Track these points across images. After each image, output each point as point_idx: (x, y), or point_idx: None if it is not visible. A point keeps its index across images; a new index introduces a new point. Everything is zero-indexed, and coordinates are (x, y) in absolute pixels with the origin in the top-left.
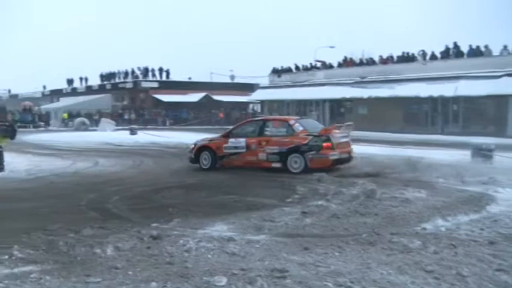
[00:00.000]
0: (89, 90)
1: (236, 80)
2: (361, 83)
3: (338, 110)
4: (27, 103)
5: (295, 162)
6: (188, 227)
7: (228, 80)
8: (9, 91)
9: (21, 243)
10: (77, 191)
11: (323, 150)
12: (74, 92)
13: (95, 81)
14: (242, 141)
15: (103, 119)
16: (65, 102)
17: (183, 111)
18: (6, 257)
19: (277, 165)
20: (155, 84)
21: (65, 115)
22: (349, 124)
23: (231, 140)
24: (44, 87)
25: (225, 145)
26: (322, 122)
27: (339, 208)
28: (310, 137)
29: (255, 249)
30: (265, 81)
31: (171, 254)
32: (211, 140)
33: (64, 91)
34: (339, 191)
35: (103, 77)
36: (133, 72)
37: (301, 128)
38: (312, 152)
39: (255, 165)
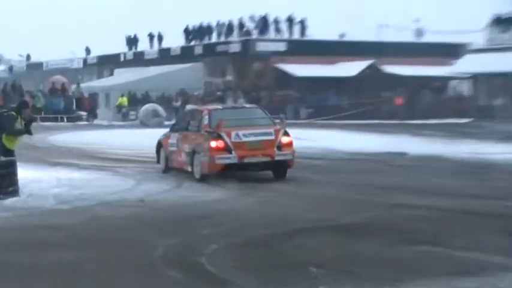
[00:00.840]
0: (165, 56)
1: (425, 39)
2: None
3: None
4: (58, 78)
5: (196, 166)
6: None
7: (410, 39)
8: (28, 57)
9: None
10: (145, 233)
11: (210, 152)
12: (139, 60)
13: (175, 40)
14: (175, 137)
15: (189, 107)
16: (122, 76)
17: (329, 93)
18: None
19: (189, 169)
20: (281, 46)
21: (123, 99)
22: (280, 117)
23: (172, 135)
24: (87, 50)
25: (169, 141)
26: None
27: None
28: (206, 134)
29: None
30: (479, 40)
31: None
32: (165, 134)
33: (122, 58)
34: None
35: (189, 33)
36: (241, 25)
37: (206, 122)
38: (203, 154)
39: (180, 168)
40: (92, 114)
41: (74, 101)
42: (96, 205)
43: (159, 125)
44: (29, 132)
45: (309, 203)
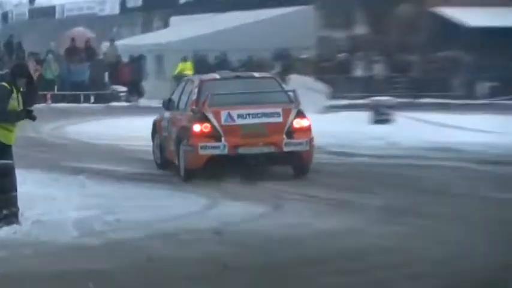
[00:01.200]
0: None
1: None
2: None
3: None
4: (80, 33)
5: (180, 158)
6: None
7: None
8: None
9: None
10: (228, 287)
11: (191, 139)
12: (210, 2)
13: None
14: (167, 117)
15: (294, 77)
16: (184, 29)
17: None
18: None
19: (177, 161)
20: None
21: (186, 66)
22: (292, 90)
23: (165, 114)
24: None
25: (161, 123)
26: None
27: None
28: (191, 115)
29: None
30: None
31: None
32: (161, 113)
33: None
34: None
35: None
36: None
37: (193, 97)
38: (184, 142)
39: (172, 160)
40: (135, 89)
41: (106, 69)
42: (144, 239)
43: None
44: (31, 116)
45: (495, 237)
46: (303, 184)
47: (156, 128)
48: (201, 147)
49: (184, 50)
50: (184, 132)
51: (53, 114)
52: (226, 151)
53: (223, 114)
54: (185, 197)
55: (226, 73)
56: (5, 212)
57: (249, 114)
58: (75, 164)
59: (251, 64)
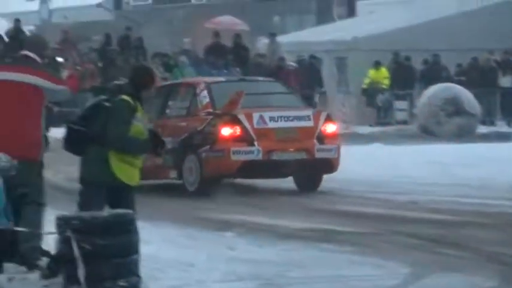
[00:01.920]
0: None
1: None
2: None
3: None
4: (225, 22)
5: (190, 170)
6: None
7: None
8: None
9: None
10: None
11: (219, 143)
12: None
13: None
14: None
15: None
16: (375, 20)
17: None
18: None
19: (174, 175)
20: None
21: (380, 72)
22: (322, 91)
23: None
24: None
25: None
26: None
27: None
28: (210, 118)
29: None
30: None
31: None
32: None
33: None
34: None
35: None
36: None
37: (206, 100)
38: (206, 148)
39: (153, 176)
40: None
41: (265, 76)
42: None
43: (462, 132)
44: (157, 150)
45: None
46: None
47: None
48: (234, 152)
49: (379, 49)
50: (203, 138)
51: None
52: (260, 156)
53: (255, 116)
54: (375, 263)
55: (229, 77)
56: (121, 283)
57: (281, 117)
58: (221, 215)
59: (474, 70)
